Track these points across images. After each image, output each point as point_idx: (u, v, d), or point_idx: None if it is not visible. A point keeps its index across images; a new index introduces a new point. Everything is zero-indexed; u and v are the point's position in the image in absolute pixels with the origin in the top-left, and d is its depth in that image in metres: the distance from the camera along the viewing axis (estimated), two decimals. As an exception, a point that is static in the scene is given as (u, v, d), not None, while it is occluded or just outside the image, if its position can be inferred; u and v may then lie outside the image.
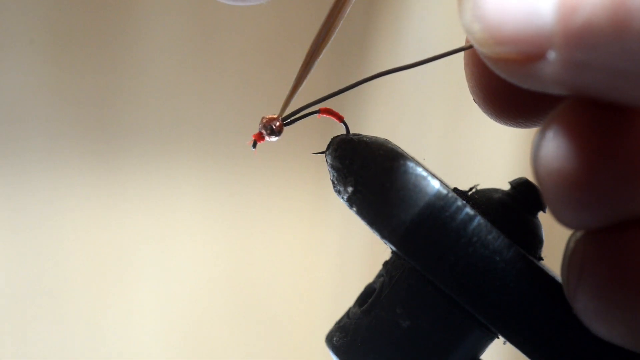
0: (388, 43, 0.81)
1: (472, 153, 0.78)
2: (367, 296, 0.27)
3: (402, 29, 0.79)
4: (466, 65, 0.26)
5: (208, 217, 0.83)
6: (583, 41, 0.18)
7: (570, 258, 0.22)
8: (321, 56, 0.26)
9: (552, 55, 0.19)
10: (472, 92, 0.26)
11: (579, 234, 0.22)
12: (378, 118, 0.83)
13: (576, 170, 0.20)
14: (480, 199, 0.26)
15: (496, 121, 0.26)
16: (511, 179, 0.26)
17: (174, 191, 0.81)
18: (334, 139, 0.26)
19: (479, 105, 0.26)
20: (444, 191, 0.24)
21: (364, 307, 0.26)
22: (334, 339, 0.26)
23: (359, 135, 0.26)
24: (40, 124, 0.75)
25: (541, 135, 0.21)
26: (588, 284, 0.21)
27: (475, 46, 0.21)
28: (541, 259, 0.26)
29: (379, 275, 0.27)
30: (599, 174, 0.20)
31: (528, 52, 0.19)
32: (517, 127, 0.26)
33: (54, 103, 0.75)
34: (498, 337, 0.25)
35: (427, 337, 0.25)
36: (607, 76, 0.18)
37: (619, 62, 0.18)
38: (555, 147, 0.20)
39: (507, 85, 0.21)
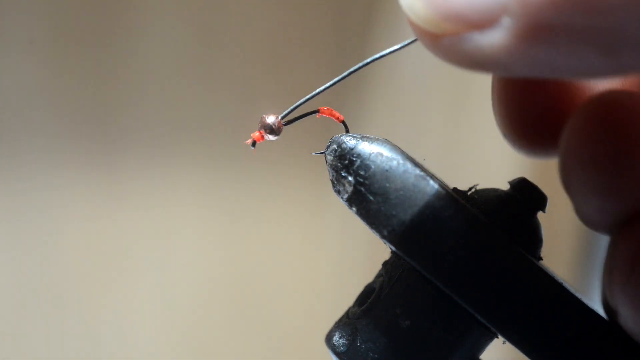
0: (388, 40, 0.81)
1: (471, 153, 0.78)
2: (367, 296, 0.27)
3: (402, 27, 0.79)
4: (497, 99, 0.24)
5: (208, 217, 0.83)
6: None
7: (617, 252, 0.21)
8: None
9: (506, 21, 0.17)
10: (503, 127, 0.24)
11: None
12: (378, 118, 0.83)
13: (600, 159, 0.20)
14: (480, 199, 0.26)
15: (526, 155, 0.25)
16: (511, 179, 0.26)
17: (173, 191, 0.81)
18: (333, 138, 0.26)
19: (508, 139, 0.25)
20: (444, 191, 0.24)
21: (363, 307, 0.26)
22: (334, 339, 0.26)
23: (358, 135, 0.25)
24: (40, 124, 0.75)
25: (567, 129, 0.21)
26: None
27: (416, 29, 0.19)
28: (541, 258, 0.26)
29: (379, 275, 0.27)
30: (623, 161, 0.20)
31: (477, 20, 0.17)
32: (546, 158, 0.25)
33: (53, 103, 0.75)
34: (497, 337, 0.25)
35: (426, 337, 0.25)
36: (575, 35, 0.16)
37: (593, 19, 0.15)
38: (579, 139, 0.20)
39: (542, 119, 0.20)
